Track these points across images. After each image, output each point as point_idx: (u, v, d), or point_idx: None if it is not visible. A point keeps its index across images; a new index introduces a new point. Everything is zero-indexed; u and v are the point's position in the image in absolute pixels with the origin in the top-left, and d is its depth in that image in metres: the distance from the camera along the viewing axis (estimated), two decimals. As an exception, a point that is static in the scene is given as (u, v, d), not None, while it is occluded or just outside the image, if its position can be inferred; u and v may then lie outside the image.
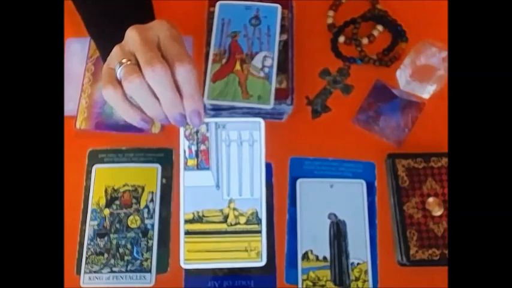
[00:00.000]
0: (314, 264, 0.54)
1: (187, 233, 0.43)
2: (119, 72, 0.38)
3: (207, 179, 0.43)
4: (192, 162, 0.43)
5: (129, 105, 0.39)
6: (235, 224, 0.43)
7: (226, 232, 0.43)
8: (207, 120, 0.43)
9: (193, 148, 0.43)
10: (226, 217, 0.43)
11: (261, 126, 0.44)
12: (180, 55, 0.38)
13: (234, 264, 0.43)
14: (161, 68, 0.37)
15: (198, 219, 0.43)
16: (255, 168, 0.44)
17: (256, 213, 0.43)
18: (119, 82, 0.39)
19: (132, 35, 0.39)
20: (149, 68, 0.37)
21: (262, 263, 0.43)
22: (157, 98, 0.38)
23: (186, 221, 0.43)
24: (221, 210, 0.43)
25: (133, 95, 0.39)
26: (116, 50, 0.40)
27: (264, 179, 0.43)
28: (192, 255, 0.42)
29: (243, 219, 0.43)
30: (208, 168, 0.43)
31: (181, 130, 0.43)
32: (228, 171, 0.43)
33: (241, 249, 0.43)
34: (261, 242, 0.43)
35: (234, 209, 0.43)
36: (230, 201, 0.43)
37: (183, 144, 0.43)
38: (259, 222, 0.43)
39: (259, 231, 0.43)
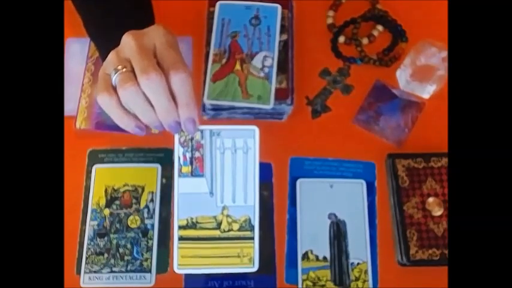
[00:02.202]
0: (314, 264, 0.54)
1: (181, 238, 0.43)
2: (115, 79, 0.38)
3: (201, 186, 0.44)
4: (186, 169, 0.43)
5: (124, 112, 0.39)
6: (228, 230, 0.43)
7: (219, 238, 0.43)
8: (201, 127, 0.43)
9: (188, 155, 0.43)
10: (219, 224, 0.43)
11: (256, 134, 0.44)
12: (176, 63, 0.38)
13: (227, 269, 0.43)
14: (156, 76, 0.37)
15: (192, 225, 0.43)
16: (248, 175, 0.44)
17: (249, 220, 0.44)
18: (114, 89, 0.39)
19: (128, 41, 0.39)
20: (144, 76, 0.37)
21: (254, 268, 0.43)
22: (152, 106, 0.38)
23: (180, 227, 0.43)
24: (215, 217, 0.43)
25: (128, 102, 0.39)
26: (112, 56, 0.40)
27: (257, 186, 0.44)
28: (186, 260, 0.43)
29: (236, 226, 0.43)
30: (202, 175, 0.44)
31: (176, 137, 0.43)
32: (222, 178, 0.44)
33: (233, 255, 0.43)
34: (254, 248, 0.43)
35: (228, 215, 0.43)
36: (224, 208, 0.44)
37: (178, 151, 0.43)
38: (252, 228, 0.43)
39: (252, 238, 0.43)
